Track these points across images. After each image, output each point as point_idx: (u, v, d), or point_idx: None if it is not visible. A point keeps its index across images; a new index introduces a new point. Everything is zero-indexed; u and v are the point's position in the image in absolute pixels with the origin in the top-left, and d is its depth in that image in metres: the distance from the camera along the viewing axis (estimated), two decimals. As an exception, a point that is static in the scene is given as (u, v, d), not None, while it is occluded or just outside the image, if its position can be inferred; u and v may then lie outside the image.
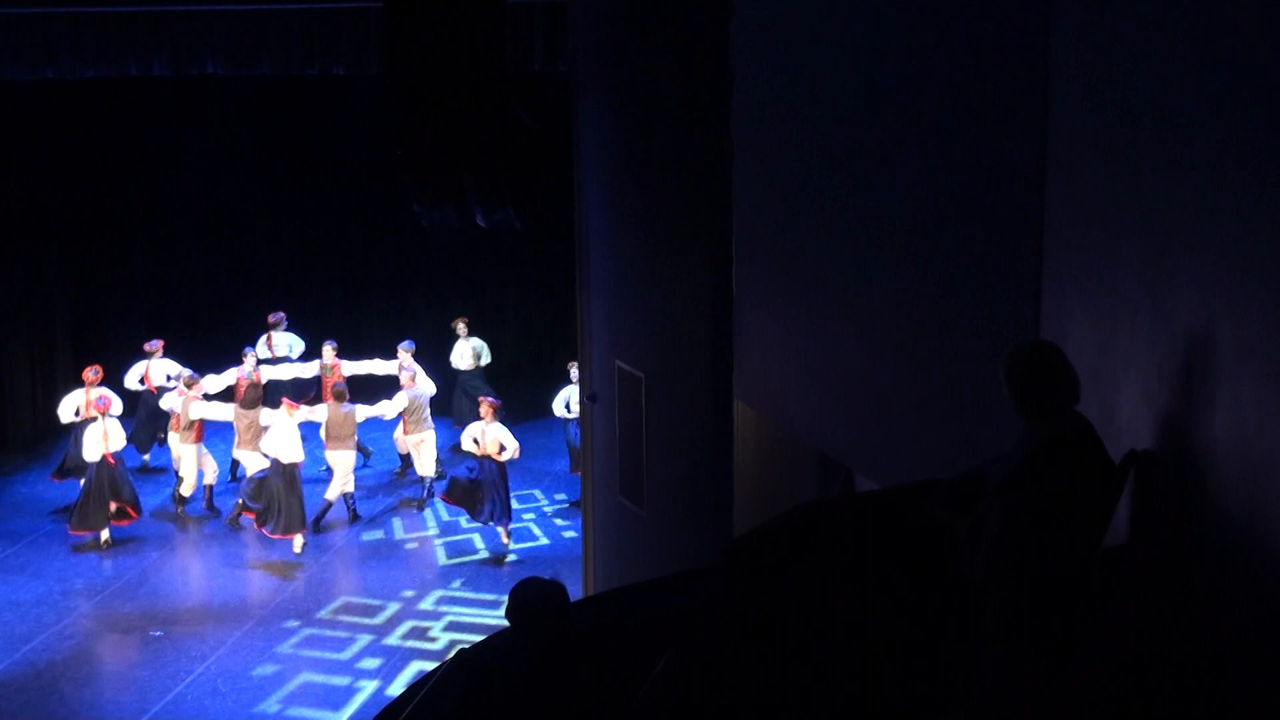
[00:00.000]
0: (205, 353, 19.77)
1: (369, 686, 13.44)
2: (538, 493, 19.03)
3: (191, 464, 17.85)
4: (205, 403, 17.86)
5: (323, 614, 15.12)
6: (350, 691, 13.36)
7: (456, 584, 15.87)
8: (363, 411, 17.78)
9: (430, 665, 12.84)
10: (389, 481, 19.24)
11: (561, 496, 18.68)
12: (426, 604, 15.36)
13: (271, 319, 20.22)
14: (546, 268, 20.99)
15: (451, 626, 14.74)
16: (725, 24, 10.18)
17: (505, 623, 5.81)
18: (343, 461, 17.56)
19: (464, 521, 17.54)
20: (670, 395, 11.68)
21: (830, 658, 5.38)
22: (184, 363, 19.41)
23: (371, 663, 13.96)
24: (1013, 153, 6.41)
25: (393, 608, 15.29)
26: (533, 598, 5.68)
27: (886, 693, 5.34)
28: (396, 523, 17.87)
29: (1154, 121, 5.09)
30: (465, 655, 6.45)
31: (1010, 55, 6.44)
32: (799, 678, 5.38)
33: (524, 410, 21.51)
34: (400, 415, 18.40)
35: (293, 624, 14.84)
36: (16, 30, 15.95)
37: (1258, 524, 4.36)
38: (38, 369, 21.24)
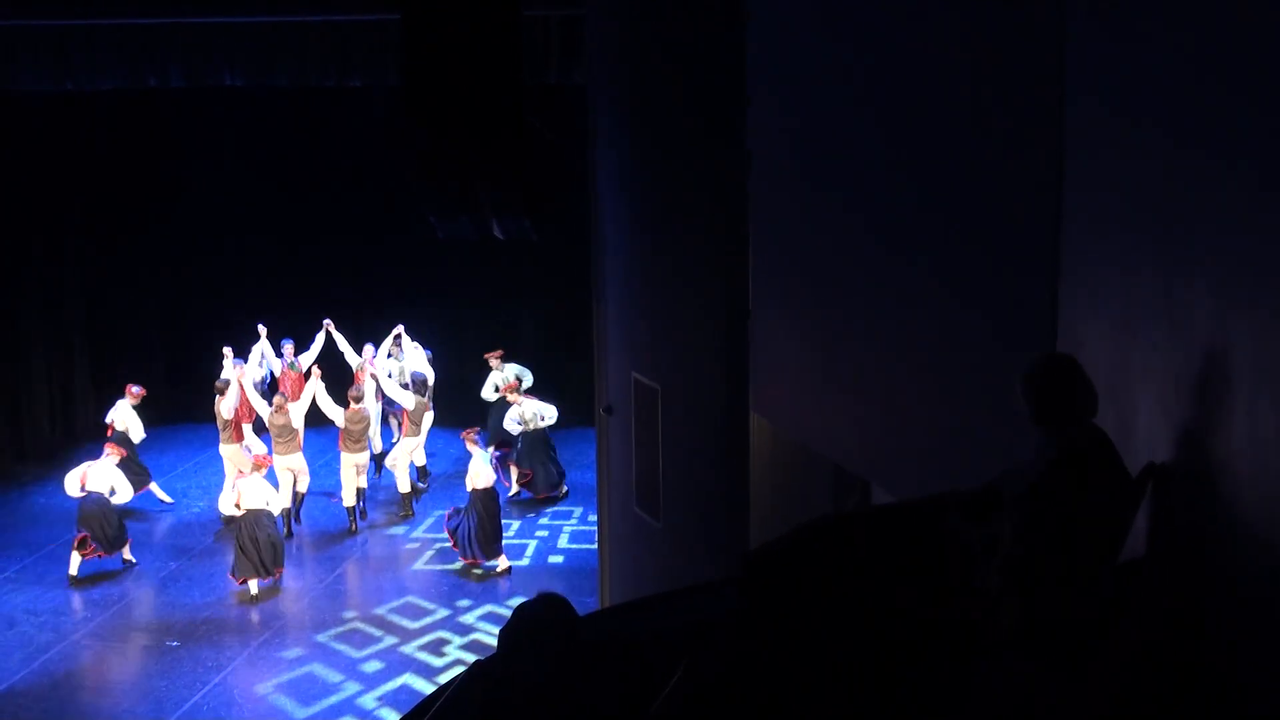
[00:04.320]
0: (221, 360, 19.80)
1: (384, 698, 13.45)
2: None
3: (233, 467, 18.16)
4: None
5: (339, 626, 15.13)
6: (367, 702, 13.36)
7: (468, 600, 15.86)
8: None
9: (445, 678, 12.84)
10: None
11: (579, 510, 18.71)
12: (442, 616, 15.36)
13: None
14: (562, 279, 21.00)
15: (467, 638, 14.74)
16: (741, 35, 10.19)
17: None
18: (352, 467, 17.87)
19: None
20: (686, 407, 11.68)
21: (846, 670, 5.37)
22: (200, 369, 19.47)
23: (387, 675, 13.96)
24: (1029, 164, 6.40)
25: (408, 620, 15.30)
26: (530, 622, 5.64)
27: (902, 705, 5.33)
28: (411, 535, 17.88)
29: (1171, 132, 5.08)
30: (481, 666, 6.45)
31: (1026, 65, 6.43)
32: (814, 690, 5.37)
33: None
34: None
35: (309, 635, 14.86)
36: (35, 42, 16.02)
37: (1275, 537, 4.34)
38: (56, 380, 21.31)
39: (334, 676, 13.89)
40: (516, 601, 15.28)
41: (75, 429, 21.71)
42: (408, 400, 18.39)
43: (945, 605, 5.42)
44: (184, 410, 21.65)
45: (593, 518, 16.42)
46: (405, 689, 13.54)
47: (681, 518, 11.96)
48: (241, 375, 18.62)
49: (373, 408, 18.62)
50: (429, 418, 19.04)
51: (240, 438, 18.30)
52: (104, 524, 16.45)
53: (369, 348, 19.57)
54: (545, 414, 18.90)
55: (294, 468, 17.67)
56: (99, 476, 16.71)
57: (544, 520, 18.38)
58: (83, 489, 16.58)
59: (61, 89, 16.98)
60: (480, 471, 16.48)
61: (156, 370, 22.47)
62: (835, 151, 8.77)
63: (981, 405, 6.96)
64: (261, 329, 19.81)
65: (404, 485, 18.57)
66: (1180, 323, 4.94)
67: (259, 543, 15.73)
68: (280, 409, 17.67)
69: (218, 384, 18.44)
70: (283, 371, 19.73)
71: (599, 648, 5.82)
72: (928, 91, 7.50)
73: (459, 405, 20.30)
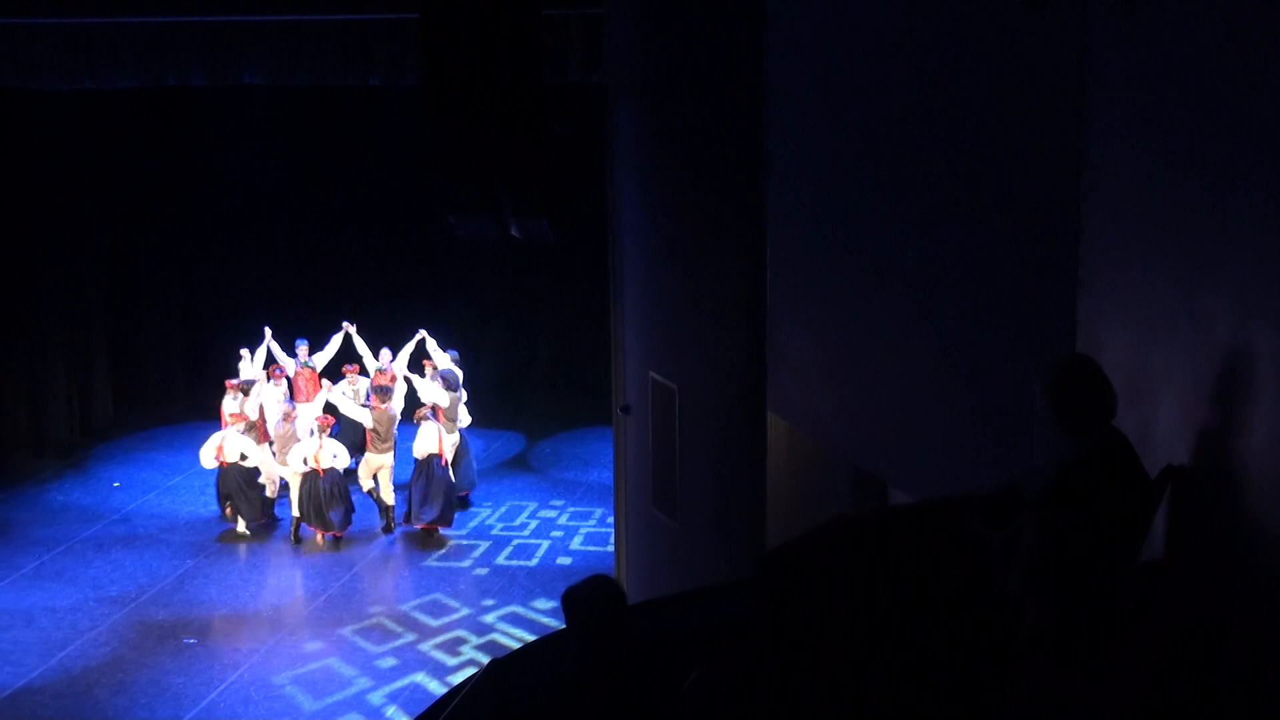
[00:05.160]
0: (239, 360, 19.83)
1: (392, 696, 13.45)
2: (559, 503, 19.03)
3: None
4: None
5: (356, 624, 15.14)
6: (383, 701, 13.38)
7: (492, 600, 15.86)
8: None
9: (456, 678, 12.84)
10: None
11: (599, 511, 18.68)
12: (464, 615, 15.37)
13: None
14: (580, 279, 21.00)
15: (484, 638, 14.73)
16: (761, 36, 10.17)
17: (534, 637, 5.82)
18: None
19: (498, 528, 17.66)
20: (704, 407, 11.67)
21: (864, 672, 5.36)
22: (219, 368, 19.49)
23: (399, 672, 13.97)
24: (1050, 168, 6.39)
25: (430, 617, 15.31)
26: (590, 595, 5.68)
27: (921, 708, 5.32)
28: (440, 531, 17.89)
29: (1191, 134, 5.07)
30: (497, 665, 6.45)
31: (1047, 66, 6.42)
32: (832, 692, 5.36)
33: (557, 421, 21.57)
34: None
35: (326, 633, 14.87)
36: (56, 40, 16.06)
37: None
38: (74, 377, 21.37)
39: (348, 673, 13.91)
40: (541, 604, 15.38)
41: (93, 427, 21.76)
42: (443, 398, 18.37)
43: (963, 607, 5.41)
44: (202, 409, 21.69)
45: (612, 519, 16.43)
46: (416, 687, 13.54)
47: (698, 518, 11.95)
48: (266, 375, 18.67)
49: (398, 409, 18.47)
50: (461, 415, 19.00)
51: (266, 438, 18.33)
52: (244, 492, 17.49)
53: (385, 352, 19.52)
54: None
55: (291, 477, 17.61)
56: (231, 446, 17.43)
57: (563, 520, 18.37)
58: (218, 460, 17.44)
59: (81, 87, 17.02)
60: (428, 437, 17.30)
61: (176, 369, 22.54)
62: (855, 152, 8.75)
63: (1000, 408, 6.94)
64: (267, 331, 19.76)
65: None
66: (1200, 325, 4.92)
67: (331, 495, 17.06)
68: (287, 417, 17.59)
69: (241, 384, 18.48)
70: (296, 370, 19.68)
71: (633, 639, 5.82)
72: (948, 92, 7.48)
73: (473, 403, 20.26)
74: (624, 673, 5.58)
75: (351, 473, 18.10)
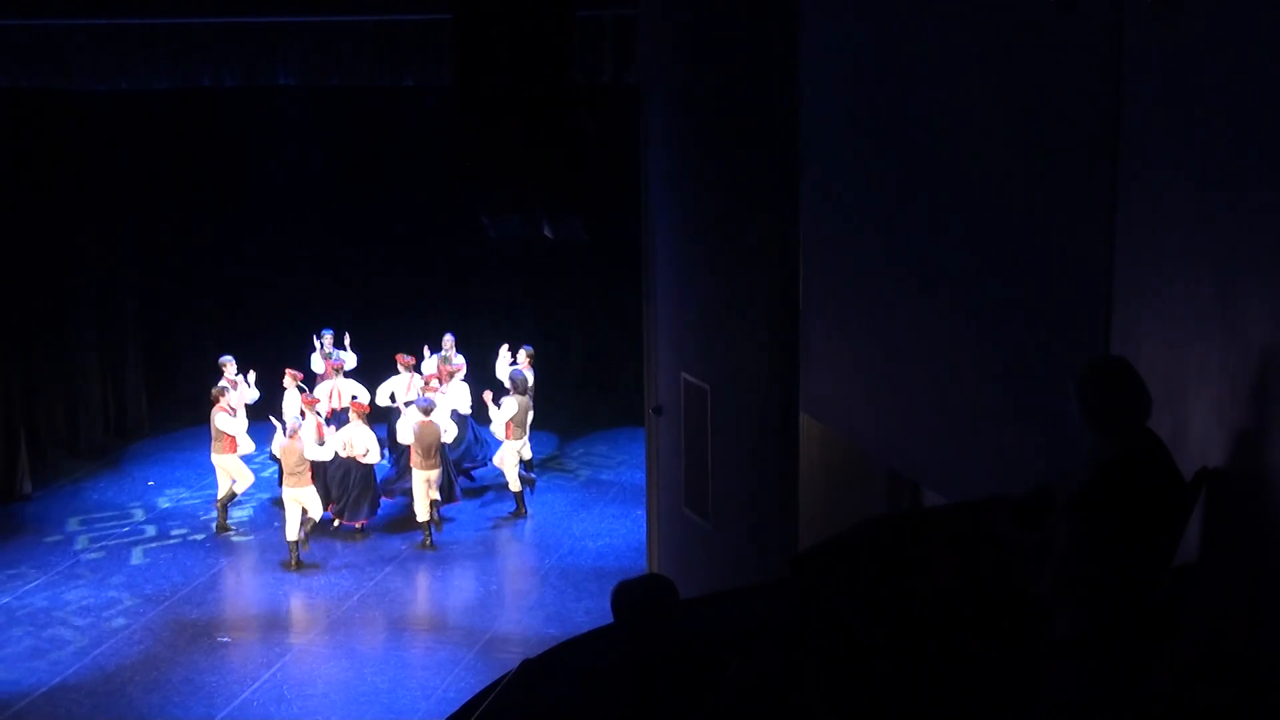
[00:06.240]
0: (275, 360, 19.87)
1: (433, 696, 13.48)
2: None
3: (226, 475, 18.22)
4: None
5: (390, 623, 15.18)
6: (415, 700, 13.40)
7: (531, 602, 15.87)
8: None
9: (494, 676, 12.84)
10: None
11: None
12: (494, 614, 15.38)
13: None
14: (613, 279, 20.97)
15: (522, 639, 14.72)
16: (795, 37, 10.17)
17: (567, 637, 5.83)
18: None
19: (530, 528, 17.68)
20: (736, 407, 11.66)
21: (896, 673, 5.35)
22: (251, 368, 19.49)
23: (436, 672, 13.99)
24: (1085, 169, 6.36)
25: (460, 618, 15.33)
26: (642, 591, 5.68)
27: (950, 709, 5.31)
28: (465, 531, 17.91)
29: (1227, 138, 5.04)
30: (529, 665, 6.46)
31: (1083, 69, 6.40)
32: (862, 692, 5.35)
33: (590, 421, 21.54)
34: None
35: (360, 632, 14.91)
36: (91, 41, 16.14)
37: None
38: (109, 377, 21.46)
39: (382, 671, 13.94)
40: (574, 603, 15.37)
41: (127, 427, 21.85)
42: (510, 409, 18.10)
43: (996, 609, 5.39)
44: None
45: (644, 519, 16.38)
46: (449, 687, 13.56)
47: (730, 518, 11.95)
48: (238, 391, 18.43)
49: (444, 421, 17.97)
50: (531, 416, 18.81)
51: (235, 448, 17.95)
52: (344, 486, 17.52)
53: (449, 338, 19.23)
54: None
55: (304, 501, 17.01)
56: (352, 438, 17.43)
57: (595, 521, 18.35)
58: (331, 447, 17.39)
59: (116, 88, 17.10)
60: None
61: (209, 369, 22.58)
62: (888, 151, 8.74)
63: (1034, 409, 6.92)
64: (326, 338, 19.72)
65: (515, 485, 18.45)
66: (1235, 329, 4.90)
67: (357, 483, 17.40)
68: (294, 434, 17.06)
69: (214, 393, 18.03)
70: (325, 368, 19.53)
71: (679, 637, 5.82)
72: (981, 91, 7.47)
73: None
74: (663, 671, 5.58)
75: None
